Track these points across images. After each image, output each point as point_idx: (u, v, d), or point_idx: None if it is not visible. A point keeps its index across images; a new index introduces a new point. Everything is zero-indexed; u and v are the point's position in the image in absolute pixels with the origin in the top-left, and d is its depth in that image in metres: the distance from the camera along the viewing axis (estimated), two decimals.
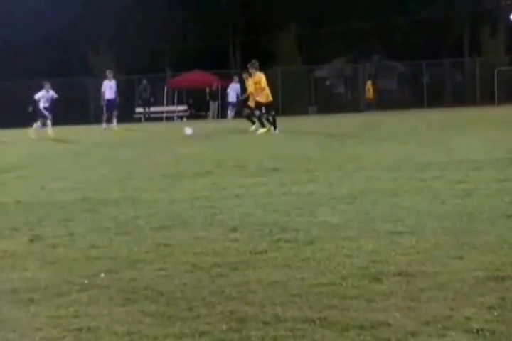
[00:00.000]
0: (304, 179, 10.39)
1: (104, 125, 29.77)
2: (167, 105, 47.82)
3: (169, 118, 45.11)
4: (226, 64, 49.79)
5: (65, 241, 6.67)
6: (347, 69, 49.92)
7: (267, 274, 5.13)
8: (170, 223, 7.33)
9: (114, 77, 30.29)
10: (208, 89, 45.08)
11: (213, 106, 44.85)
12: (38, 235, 6.92)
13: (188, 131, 22.46)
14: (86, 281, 5.12)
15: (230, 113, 38.00)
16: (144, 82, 43.45)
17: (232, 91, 37.90)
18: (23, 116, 34.91)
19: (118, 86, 30.38)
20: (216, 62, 46.83)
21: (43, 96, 27.61)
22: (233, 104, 37.56)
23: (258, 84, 22.61)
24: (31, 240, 6.74)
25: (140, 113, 44.43)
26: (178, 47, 48.28)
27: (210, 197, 9.10)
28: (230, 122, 32.96)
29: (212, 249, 6.02)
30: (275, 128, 21.95)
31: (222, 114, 43.47)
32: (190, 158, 14.97)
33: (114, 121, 29.89)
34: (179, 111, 46.51)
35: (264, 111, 22.34)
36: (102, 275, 5.28)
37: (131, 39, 47.24)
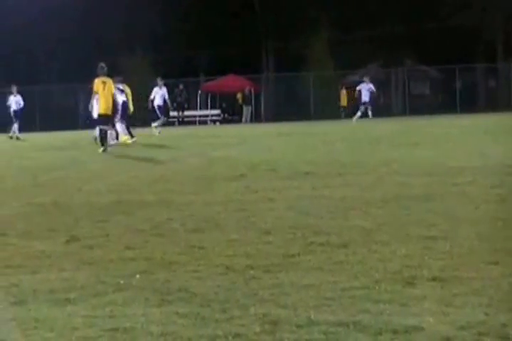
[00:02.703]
0: (336, 183, 10.36)
1: (158, 128, 29.39)
2: (200, 109, 47.99)
3: (202, 122, 45.26)
4: (259, 68, 49.84)
5: (101, 242, 6.70)
6: (379, 74, 49.72)
7: (299, 277, 5.11)
8: (204, 225, 7.34)
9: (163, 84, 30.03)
10: (240, 94, 45.13)
11: (246, 110, 44.90)
12: (75, 236, 6.97)
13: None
14: (121, 282, 5.14)
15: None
16: (181, 86, 43.59)
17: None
18: (62, 119, 35.36)
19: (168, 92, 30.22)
20: (249, 66, 46.88)
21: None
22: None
23: None
24: (68, 241, 6.78)
25: (174, 117, 44.57)
26: (212, 52, 48.43)
27: (243, 200, 9.10)
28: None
29: (246, 251, 6.02)
30: None
31: (255, 118, 43.52)
32: (224, 161, 14.98)
33: (156, 123, 29.83)
34: (212, 115, 46.65)
35: None
36: (137, 276, 5.29)
37: (166, 44, 47.46)
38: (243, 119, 44.69)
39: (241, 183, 10.87)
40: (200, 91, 48.03)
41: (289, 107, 45.11)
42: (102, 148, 19.09)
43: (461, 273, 5.04)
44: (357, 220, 7.25)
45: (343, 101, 45.05)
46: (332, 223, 7.18)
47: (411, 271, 5.15)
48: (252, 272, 5.30)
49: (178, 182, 11.44)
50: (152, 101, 28.61)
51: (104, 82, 19.76)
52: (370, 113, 32.71)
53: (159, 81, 29.49)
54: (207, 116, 46.77)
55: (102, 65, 20.09)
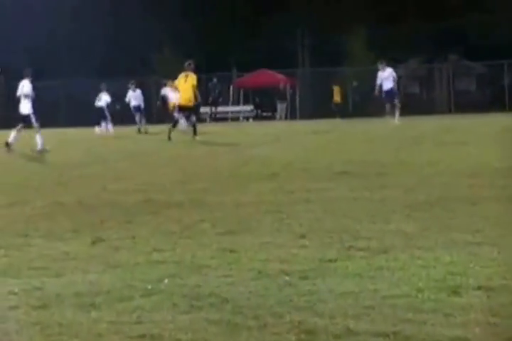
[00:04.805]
0: (377, 184, 10.29)
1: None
2: (233, 105, 48.03)
3: (235, 119, 45.30)
4: (294, 63, 49.77)
5: (127, 244, 6.72)
6: (422, 70, 49.41)
7: (337, 284, 5.08)
8: (236, 227, 7.33)
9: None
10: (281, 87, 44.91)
11: (281, 106, 44.83)
12: (100, 237, 6.99)
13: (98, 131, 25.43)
14: (149, 286, 5.13)
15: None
16: (214, 80, 43.57)
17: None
18: (86, 115, 35.76)
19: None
20: (284, 61, 46.83)
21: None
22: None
23: None
24: (93, 242, 6.80)
25: (205, 113, 44.54)
26: (245, 46, 48.47)
27: (278, 201, 9.08)
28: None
29: (280, 255, 5.99)
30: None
31: (291, 115, 43.40)
32: (257, 159, 14.99)
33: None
34: (245, 112, 46.68)
35: None
36: (166, 280, 5.29)
37: (196, 37, 47.59)
38: (277, 116, 44.63)
39: (275, 183, 10.85)
40: (232, 87, 48.06)
41: (326, 104, 44.96)
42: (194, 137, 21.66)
43: (508, 282, 4.96)
44: (398, 224, 7.19)
45: (336, 97, 44.58)
46: (372, 227, 7.12)
47: (456, 278, 5.09)
48: (286, 278, 5.27)
49: (209, 181, 11.45)
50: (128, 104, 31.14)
51: (186, 76, 22.44)
52: (389, 106, 28.64)
53: (130, 84, 31.64)
54: (239, 112, 46.82)
55: (190, 61, 22.80)
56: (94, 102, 31.83)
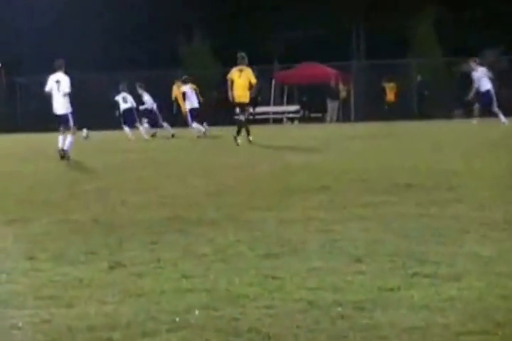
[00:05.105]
0: (447, 198, 10.24)
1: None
2: (275, 104, 48.10)
3: (277, 121, 45.41)
4: (347, 54, 49.74)
5: (151, 268, 6.74)
6: (500, 63, 49.07)
7: (400, 317, 5.05)
8: (279, 250, 7.32)
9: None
10: (336, 84, 44.95)
11: (331, 106, 44.83)
12: (120, 261, 7.02)
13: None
14: (177, 319, 5.14)
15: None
16: None
17: None
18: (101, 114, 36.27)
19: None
20: (335, 52, 46.78)
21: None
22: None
23: None
24: (111, 267, 6.84)
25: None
26: (288, 35, 48.52)
27: (328, 218, 9.08)
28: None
29: (332, 283, 5.98)
30: None
31: (343, 116, 43.41)
32: (303, 168, 15.01)
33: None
34: (289, 112, 46.75)
35: None
36: (197, 312, 5.30)
37: (230, 25, 47.81)
38: (328, 117, 44.65)
39: (325, 197, 10.85)
40: (273, 82, 48.13)
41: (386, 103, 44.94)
42: (237, 141, 23.07)
43: None
44: (473, 246, 7.14)
45: (390, 96, 44.50)
46: (441, 249, 7.08)
47: None
48: (339, 309, 5.26)
49: (247, 195, 11.48)
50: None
51: (240, 70, 23.86)
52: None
53: (139, 86, 33.43)
54: (283, 113, 46.95)
55: (243, 54, 23.97)
56: (112, 100, 32.48)
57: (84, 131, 32.56)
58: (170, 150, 23.41)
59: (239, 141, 23.13)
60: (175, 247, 7.66)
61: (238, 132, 23.48)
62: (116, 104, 32.01)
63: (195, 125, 30.41)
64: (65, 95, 20.30)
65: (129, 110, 31.81)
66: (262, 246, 7.49)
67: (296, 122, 45.56)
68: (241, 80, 23.63)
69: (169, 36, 48.12)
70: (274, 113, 46.97)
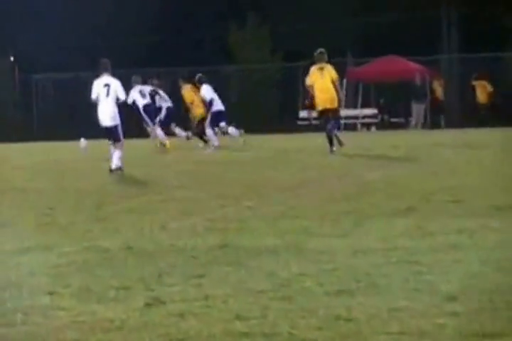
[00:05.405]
0: None
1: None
2: (347, 107, 48.03)
3: (350, 127, 45.29)
4: (436, 47, 49.51)
5: (196, 307, 6.75)
6: None
7: None
8: (353, 286, 7.31)
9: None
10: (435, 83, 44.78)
11: (417, 109, 44.62)
12: (158, 298, 7.05)
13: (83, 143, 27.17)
14: None
15: None
16: None
17: None
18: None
19: None
20: (420, 43, 46.58)
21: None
22: None
23: None
24: (148, 305, 6.86)
25: (305, 119, 44.36)
26: (363, 23, 48.47)
27: (414, 247, 9.06)
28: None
29: (419, 326, 5.95)
30: None
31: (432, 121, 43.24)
32: (382, 186, 14.98)
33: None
34: (365, 117, 46.63)
35: None
36: None
37: (289, 10, 47.96)
38: (413, 123, 44.46)
39: (410, 221, 10.83)
40: (346, 80, 48.08)
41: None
42: (331, 149, 23.28)
43: None
44: None
45: (481, 97, 44.06)
46: None
47: None
48: None
49: (314, 218, 11.47)
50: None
51: (320, 69, 23.80)
52: None
53: (151, 82, 32.77)
54: (357, 117, 46.82)
55: (322, 50, 24.04)
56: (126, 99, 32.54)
57: (82, 140, 31.77)
58: (212, 163, 23.39)
59: (334, 148, 23.39)
60: (226, 282, 7.67)
61: (331, 143, 23.47)
62: (134, 103, 30.95)
63: (211, 132, 29.81)
64: (117, 102, 20.36)
65: (151, 105, 31.47)
66: (333, 281, 7.49)
67: (373, 129, 45.50)
68: (324, 81, 23.49)
69: (214, 23, 48.58)
70: (346, 117, 46.77)
